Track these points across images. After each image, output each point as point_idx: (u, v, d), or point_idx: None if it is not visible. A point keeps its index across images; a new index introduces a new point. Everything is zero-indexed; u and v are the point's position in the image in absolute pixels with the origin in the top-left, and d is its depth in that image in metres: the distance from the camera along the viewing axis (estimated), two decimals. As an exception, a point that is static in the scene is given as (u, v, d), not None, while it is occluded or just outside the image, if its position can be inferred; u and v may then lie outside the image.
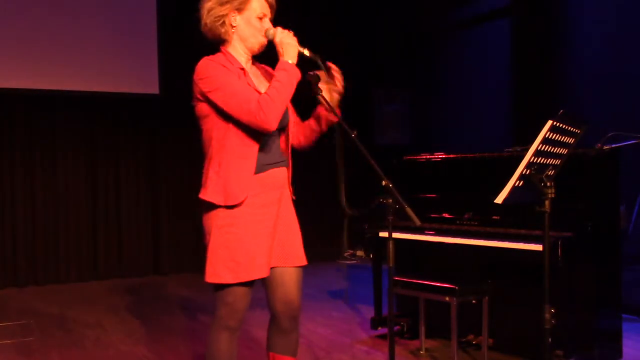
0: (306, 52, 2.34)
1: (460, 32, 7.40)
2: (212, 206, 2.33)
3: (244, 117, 2.25)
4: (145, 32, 6.64)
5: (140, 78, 6.63)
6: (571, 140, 2.67)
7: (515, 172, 2.47)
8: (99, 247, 6.53)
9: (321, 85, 2.43)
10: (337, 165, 2.35)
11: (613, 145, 3.76)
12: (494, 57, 6.81)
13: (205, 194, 2.33)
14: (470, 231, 3.57)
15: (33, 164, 6.28)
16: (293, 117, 2.53)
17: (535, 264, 3.07)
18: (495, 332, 3.59)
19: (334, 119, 2.44)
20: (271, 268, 2.42)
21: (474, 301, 3.48)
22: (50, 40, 6.23)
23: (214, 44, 2.46)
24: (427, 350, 3.84)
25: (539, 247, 3.11)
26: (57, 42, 6.25)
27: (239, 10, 2.35)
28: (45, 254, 6.28)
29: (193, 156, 6.45)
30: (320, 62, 2.36)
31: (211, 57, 2.36)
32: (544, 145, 2.49)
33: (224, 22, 2.37)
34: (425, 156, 4.20)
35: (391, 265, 2.33)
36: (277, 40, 2.34)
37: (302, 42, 2.35)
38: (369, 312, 4.45)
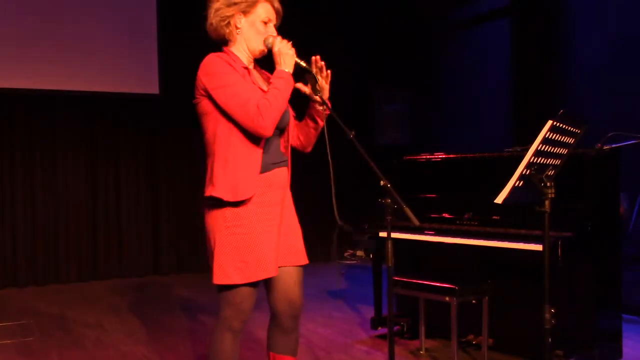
0: (302, 63, 2.39)
1: (460, 32, 7.40)
2: (218, 204, 2.32)
3: (242, 119, 2.27)
4: (145, 32, 6.64)
5: (140, 78, 6.63)
6: (571, 140, 2.67)
7: (515, 172, 2.47)
8: (99, 247, 6.53)
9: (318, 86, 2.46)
10: (330, 167, 2.35)
11: (613, 145, 3.76)
12: (494, 57, 6.81)
13: (214, 190, 2.31)
14: (470, 231, 3.57)
15: (33, 164, 6.28)
16: (292, 119, 2.55)
17: (535, 264, 3.07)
18: (495, 332, 3.59)
19: (327, 112, 2.46)
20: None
21: (474, 301, 3.48)
22: (50, 40, 6.23)
23: (216, 44, 2.48)
24: (427, 350, 3.84)
25: (539, 247, 3.11)
26: (57, 42, 6.25)
27: (245, 12, 2.38)
28: (45, 254, 6.28)
29: (193, 156, 6.53)
30: (313, 72, 2.40)
31: (218, 53, 2.38)
32: (544, 145, 2.49)
33: (229, 23, 2.40)
34: (425, 156, 4.20)
35: (390, 265, 2.33)
36: (275, 49, 2.37)
37: (299, 53, 2.40)
38: (369, 312, 4.45)
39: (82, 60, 6.34)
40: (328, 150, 2.32)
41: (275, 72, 2.36)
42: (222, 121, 2.32)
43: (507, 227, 3.40)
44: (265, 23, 2.40)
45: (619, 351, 3.52)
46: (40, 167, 6.31)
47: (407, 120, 8.04)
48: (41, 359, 3.88)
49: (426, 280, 3.49)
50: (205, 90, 2.32)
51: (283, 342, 2.51)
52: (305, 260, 2.50)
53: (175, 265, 6.85)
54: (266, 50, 2.42)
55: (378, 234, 3.97)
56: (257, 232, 2.33)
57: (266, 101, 2.26)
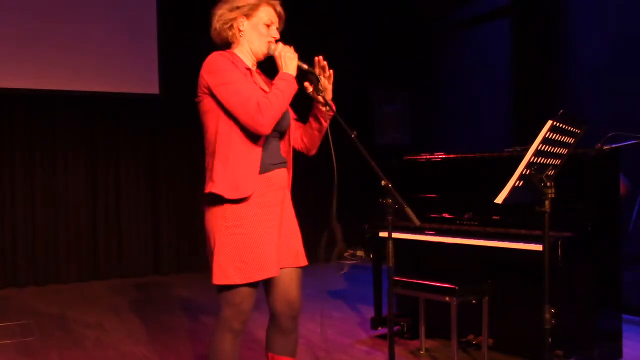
0: (304, 66, 2.42)
1: (460, 32, 7.40)
2: (217, 202, 2.33)
3: (241, 117, 2.28)
4: (145, 32, 6.64)
5: (140, 78, 6.63)
6: (571, 140, 2.67)
7: (515, 172, 2.47)
8: (99, 247, 6.53)
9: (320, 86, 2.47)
10: (334, 170, 2.36)
11: (613, 145, 3.76)
12: (494, 57, 6.81)
13: (213, 187, 2.32)
14: (470, 231, 3.57)
15: (33, 164, 6.28)
16: (293, 122, 2.56)
17: (535, 264, 3.07)
18: (495, 332, 3.59)
19: (331, 113, 2.47)
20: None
21: (474, 301, 3.48)
22: (50, 40, 6.23)
23: (219, 47, 2.49)
24: (427, 350, 3.84)
25: (539, 247, 3.11)
26: (57, 42, 6.26)
27: (248, 16, 2.42)
28: (45, 254, 6.28)
29: (193, 156, 6.52)
30: (315, 74, 2.43)
31: (221, 52, 2.41)
32: (544, 145, 2.49)
33: (231, 26, 2.44)
34: (425, 156, 4.20)
35: (391, 265, 2.33)
36: (276, 53, 2.41)
37: (300, 53, 2.43)
38: (369, 312, 4.45)
39: (82, 60, 6.34)
40: (333, 152, 2.32)
41: (278, 75, 2.39)
42: (224, 119, 2.33)
43: (507, 227, 3.40)
44: (268, 26, 2.43)
45: (619, 351, 3.52)
46: (40, 167, 6.31)
47: (407, 120, 8.04)
48: (41, 359, 3.88)
49: (426, 280, 3.49)
50: (208, 88, 2.34)
51: (282, 343, 2.52)
52: (304, 262, 2.51)
53: (175, 265, 6.85)
54: (269, 53, 2.45)
55: (378, 234, 3.97)
56: (257, 232, 2.34)
57: (267, 100, 2.29)
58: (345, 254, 7.81)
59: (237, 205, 2.33)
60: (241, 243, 2.31)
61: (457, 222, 3.69)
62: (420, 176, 4.19)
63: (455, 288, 3.31)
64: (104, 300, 5.59)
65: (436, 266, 4.02)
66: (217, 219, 2.34)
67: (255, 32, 2.42)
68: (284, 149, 2.51)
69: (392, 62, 7.88)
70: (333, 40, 7.29)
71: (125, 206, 6.67)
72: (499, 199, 2.46)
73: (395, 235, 3.50)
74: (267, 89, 2.43)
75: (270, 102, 2.28)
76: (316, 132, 2.53)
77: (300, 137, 2.58)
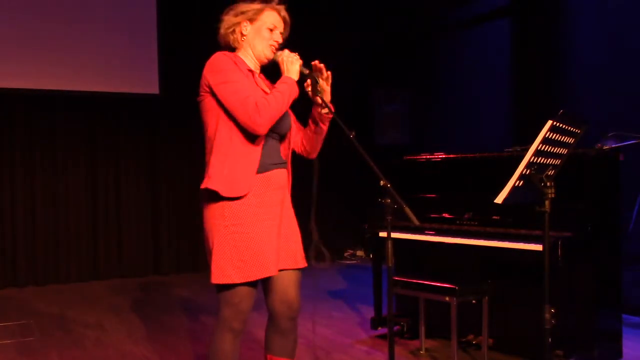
0: (306, 71, 2.44)
1: (460, 32, 7.40)
2: (216, 200, 2.33)
3: (239, 116, 2.30)
4: (145, 32, 6.64)
5: (140, 78, 6.63)
6: (571, 140, 2.67)
7: (515, 172, 2.47)
8: (99, 247, 6.53)
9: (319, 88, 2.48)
10: (313, 189, 2.39)
11: (613, 145, 3.76)
12: (494, 57, 6.81)
13: (209, 183, 2.34)
14: (470, 231, 3.57)
15: (33, 164, 6.28)
16: (294, 125, 2.57)
17: (535, 264, 3.07)
18: (495, 332, 3.59)
19: (330, 115, 2.49)
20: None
21: (474, 301, 3.48)
22: (50, 40, 6.23)
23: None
24: (427, 350, 3.84)
25: (539, 247, 3.11)
26: (57, 42, 6.26)
27: (251, 20, 2.44)
28: (45, 254, 6.28)
29: (193, 156, 6.52)
30: (314, 76, 2.44)
31: (224, 52, 2.43)
32: (544, 145, 2.49)
33: (234, 30, 2.46)
34: (425, 156, 4.20)
35: (390, 265, 2.33)
36: (279, 59, 2.43)
37: (302, 57, 2.45)
38: (369, 312, 4.45)
39: (82, 60, 6.34)
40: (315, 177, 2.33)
41: (281, 78, 2.41)
42: (224, 118, 2.35)
43: (507, 227, 3.40)
44: (271, 30, 2.45)
45: (619, 351, 3.52)
46: (40, 167, 6.31)
47: (407, 120, 8.04)
48: (41, 359, 3.88)
49: (426, 280, 3.49)
50: (209, 87, 2.36)
51: (281, 344, 2.51)
52: (303, 263, 2.51)
53: (175, 265, 6.85)
54: (272, 55, 2.47)
55: (378, 234, 3.97)
56: (256, 231, 2.34)
57: (265, 101, 2.30)
58: (346, 254, 7.81)
59: (236, 204, 2.33)
60: (240, 242, 2.32)
61: (457, 222, 3.69)
62: (420, 176, 4.19)
63: (455, 288, 3.31)
64: (104, 300, 5.59)
65: (436, 266, 4.02)
66: (215, 218, 2.34)
67: (258, 36, 2.43)
68: (283, 152, 2.52)
69: (392, 62, 7.88)
70: (333, 40, 7.29)
71: (125, 206, 6.67)
72: (499, 199, 2.46)
73: (395, 235, 3.51)
74: (268, 91, 2.43)
75: (268, 103, 2.30)
76: (315, 135, 2.54)
77: (301, 140, 2.59)
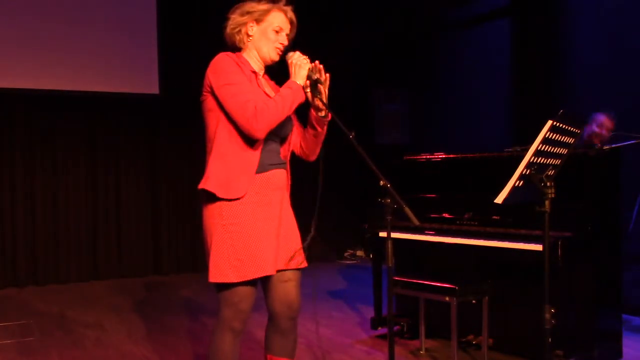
0: (314, 77, 2.41)
1: (460, 32, 7.40)
2: (212, 199, 2.34)
3: (237, 119, 2.30)
4: (145, 32, 6.64)
5: (140, 78, 6.63)
6: (571, 140, 2.67)
7: (515, 172, 2.47)
8: (99, 247, 6.53)
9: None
10: (318, 190, 2.39)
11: (613, 145, 3.76)
12: (494, 57, 6.81)
13: (206, 184, 2.34)
14: (470, 231, 3.57)
15: (33, 164, 6.28)
16: (296, 127, 2.56)
17: (535, 264, 3.07)
18: (495, 332, 3.58)
19: (327, 118, 2.48)
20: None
21: (474, 301, 3.48)
22: (50, 40, 6.23)
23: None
24: (427, 350, 3.84)
25: (539, 247, 3.11)
26: (57, 42, 6.26)
27: (258, 21, 2.43)
28: (45, 254, 6.28)
29: (193, 156, 6.53)
30: (319, 79, 2.42)
31: (228, 53, 2.42)
32: (544, 145, 2.49)
33: (240, 31, 2.45)
34: (425, 156, 4.20)
35: (390, 265, 2.33)
36: (289, 61, 2.42)
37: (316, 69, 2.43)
38: (369, 312, 4.45)
39: (82, 60, 6.34)
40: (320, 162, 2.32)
41: (286, 83, 2.40)
42: (224, 119, 2.35)
43: (507, 227, 3.40)
44: (277, 32, 2.43)
45: (619, 351, 3.53)
46: (40, 167, 6.31)
47: (407, 120, 8.04)
48: (41, 359, 3.88)
49: (426, 280, 3.49)
50: (211, 87, 2.36)
51: (281, 344, 2.51)
52: (303, 264, 2.51)
53: (175, 265, 6.85)
54: (277, 58, 2.46)
55: (378, 234, 3.97)
56: (253, 230, 2.34)
57: (265, 105, 2.29)
58: (346, 254, 7.81)
59: (234, 203, 2.33)
60: (237, 241, 2.32)
61: (457, 222, 3.69)
62: (420, 176, 4.19)
63: (455, 288, 3.31)
64: (104, 300, 5.59)
65: (436, 266, 4.02)
66: (214, 217, 2.35)
67: (264, 38, 2.42)
68: (283, 153, 2.52)
69: (392, 62, 7.88)
70: (333, 40, 7.30)
71: (125, 206, 6.67)
72: (499, 199, 2.46)
73: (395, 235, 3.51)
74: (272, 94, 2.44)
75: (268, 108, 2.29)
76: (313, 137, 2.53)
77: (299, 142, 2.58)
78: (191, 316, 4.90)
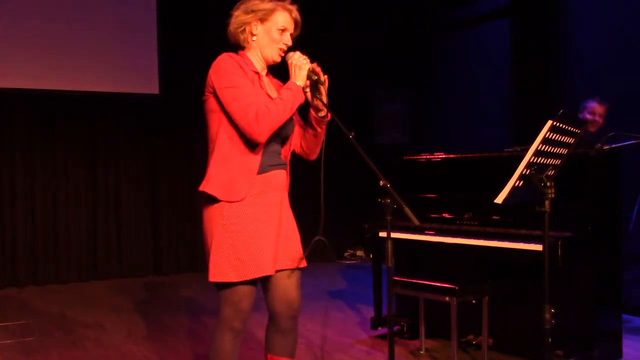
0: (314, 77, 2.41)
1: (460, 32, 7.40)
2: (213, 200, 2.35)
3: (239, 122, 2.30)
4: (145, 32, 6.64)
5: (140, 78, 6.63)
6: (571, 140, 2.67)
7: (515, 172, 2.47)
8: (99, 247, 6.53)
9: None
10: (321, 184, 2.39)
11: (613, 145, 3.76)
12: (494, 57, 6.81)
13: (207, 187, 2.35)
14: (470, 231, 3.57)
15: (33, 164, 6.28)
16: (297, 127, 2.56)
17: (535, 264, 3.07)
18: (495, 332, 3.58)
19: (327, 118, 2.48)
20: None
21: (474, 301, 3.47)
22: (50, 40, 6.23)
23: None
24: (427, 350, 3.84)
25: (539, 247, 3.11)
26: (57, 42, 6.25)
27: (262, 20, 2.42)
28: (45, 254, 6.28)
29: (193, 156, 6.53)
30: (320, 82, 2.42)
31: (230, 54, 2.41)
32: (544, 145, 2.49)
33: (244, 30, 2.44)
34: (425, 156, 4.20)
35: (390, 265, 2.33)
36: (289, 61, 2.41)
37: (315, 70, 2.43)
38: (369, 312, 4.45)
39: (82, 60, 6.34)
40: (322, 161, 2.32)
41: (286, 84, 2.40)
42: (226, 121, 2.35)
43: (507, 227, 3.40)
44: (282, 31, 2.43)
45: (619, 351, 3.52)
46: (40, 167, 6.31)
47: (407, 120, 8.04)
48: (41, 359, 3.88)
49: (426, 280, 3.49)
50: (213, 89, 2.35)
51: (281, 344, 2.51)
52: (303, 263, 2.51)
53: (175, 265, 6.85)
54: (279, 59, 2.45)
55: (378, 234, 3.97)
56: (254, 230, 2.34)
57: (266, 109, 2.29)
58: (346, 254, 7.81)
59: (235, 204, 2.34)
60: (237, 241, 2.32)
61: (457, 222, 3.69)
62: (420, 176, 4.19)
63: (455, 288, 3.31)
64: (104, 300, 5.59)
65: (436, 266, 4.02)
66: (214, 217, 2.35)
67: (268, 37, 2.41)
68: (284, 153, 2.52)
69: (392, 62, 7.88)
70: (333, 40, 7.30)
71: (125, 206, 6.67)
72: (499, 199, 2.46)
73: (395, 235, 3.51)
74: (274, 94, 2.44)
75: (269, 112, 2.28)
76: (312, 137, 2.53)
77: (299, 142, 2.59)
78: (191, 316, 4.90)
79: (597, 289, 3.34)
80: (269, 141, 2.39)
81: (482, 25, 7.08)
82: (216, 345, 2.41)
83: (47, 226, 6.31)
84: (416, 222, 2.21)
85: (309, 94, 2.44)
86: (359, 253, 7.86)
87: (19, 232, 6.19)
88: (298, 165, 2.72)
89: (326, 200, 2.39)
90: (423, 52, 7.77)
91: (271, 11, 2.40)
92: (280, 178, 2.47)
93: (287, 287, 2.46)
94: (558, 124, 2.49)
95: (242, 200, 2.33)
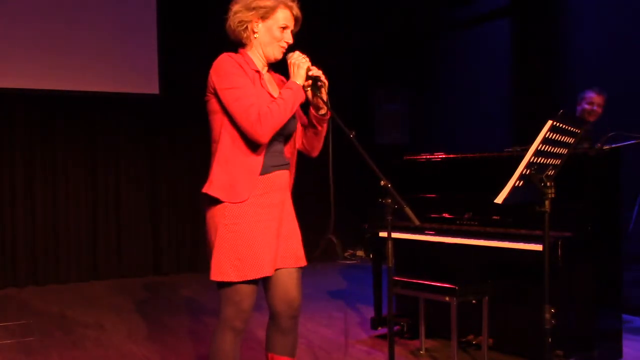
0: (312, 73, 2.40)
1: (460, 32, 7.40)
2: (216, 202, 2.35)
3: (241, 123, 2.30)
4: (145, 32, 6.63)
5: (140, 78, 6.63)
6: (571, 140, 2.67)
7: (515, 172, 2.47)
8: (99, 247, 6.53)
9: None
10: (330, 179, 2.38)
11: (613, 145, 3.76)
12: (494, 57, 6.81)
13: (210, 189, 2.35)
14: (470, 231, 3.57)
15: (33, 164, 6.28)
16: (300, 124, 2.57)
17: (535, 264, 3.07)
18: (495, 332, 3.58)
19: (327, 116, 2.48)
20: (275, 269, 2.43)
21: (474, 301, 3.48)
22: (50, 40, 6.23)
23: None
24: (427, 350, 3.84)
25: (539, 247, 3.11)
26: (57, 42, 6.25)
27: (263, 18, 2.41)
28: (45, 254, 6.28)
29: (193, 156, 6.53)
30: (320, 80, 2.41)
31: (231, 54, 2.41)
32: (544, 145, 2.49)
33: (246, 28, 2.43)
34: (425, 156, 4.20)
35: (390, 265, 2.33)
36: (289, 61, 2.42)
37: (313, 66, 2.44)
38: (369, 312, 4.45)
39: (82, 60, 6.34)
40: (330, 160, 2.32)
41: (287, 83, 2.40)
42: (227, 122, 2.35)
43: (507, 227, 3.40)
44: (283, 29, 2.42)
45: (619, 351, 3.53)
46: (40, 167, 6.31)
47: (407, 120, 8.04)
48: (41, 359, 3.88)
49: (426, 280, 3.49)
50: (214, 90, 2.36)
51: (281, 343, 2.52)
52: (304, 262, 2.52)
53: (175, 265, 6.85)
54: (281, 56, 2.45)
55: (378, 234, 3.97)
56: (256, 231, 2.35)
57: (268, 110, 2.29)
58: (346, 254, 7.81)
59: (237, 204, 2.34)
60: (239, 241, 2.33)
61: (457, 222, 3.69)
62: (420, 176, 4.19)
63: (455, 288, 3.31)
64: (104, 300, 5.59)
65: (436, 266, 4.02)
66: (217, 217, 2.35)
67: (269, 36, 2.41)
68: (288, 151, 2.52)
69: (392, 62, 7.88)
70: (333, 40, 7.29)
71: (125, 206, 6.67)
72: (499, 199, 2.46)
73: (395, 235, 3.51)
74: (276, 91, 2.44)
75: (271, 112, 2.29)
76: (313, 135, 2.54)
77: (301, 140, 2.59)
78: (191, 316, 4.90)
79: (597, 289, 3.34)
80: (272, 141, 2.39)
81: (482, 25, 7.08)
82: (217, 344, 2.41)
83: (47, 226, 6.31)
84: (417, 222, 2.22)
85: (309, 93, 2.44)
86: (359, 253, 7.86)
87: (19, 232, 6.19)
88: (299, 165, 2.72)
89: (335, 199, 2.39)
90: (423, 52, 7.77)
91: (272, 9, 2.40)
92: (283, 178, 2.47)
93: (288, 287, 2.47)
94: (558, 124, 2.49)
95: (244, 201, 2.34)
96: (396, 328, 4.12)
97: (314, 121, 2.49)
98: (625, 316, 4.01)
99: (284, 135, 2.47)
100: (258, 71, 2.42)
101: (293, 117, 2.47)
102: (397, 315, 4.19)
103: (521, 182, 2.49)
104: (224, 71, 2.34)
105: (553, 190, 2.50)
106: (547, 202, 2.49)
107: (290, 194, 2.56)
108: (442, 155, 4.10)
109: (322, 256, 2.35)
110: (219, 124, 2.37)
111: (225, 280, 2.33)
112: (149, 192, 6.79)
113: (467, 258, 3.73)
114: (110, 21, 6.49)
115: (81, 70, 6.33)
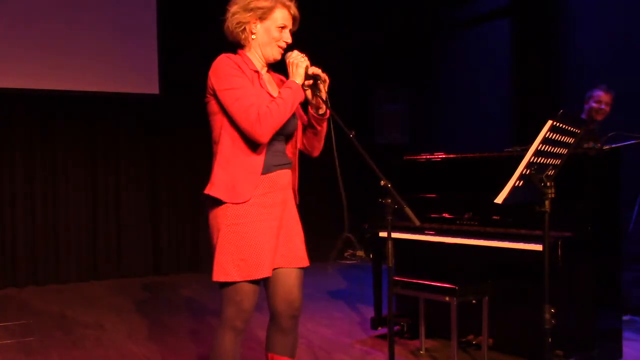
0: (311, 72, 2.40)
1: (460, 32, 7.40)
2: (218, 202, 2.35)
3: (241, 123, 2.30)
4: (145, 32, 6.63)
5: (140, 78, 6.63)
6: (571, 140, 2.67)
7: (515, 172, 2.47)
8: (99, 247, 6.53)
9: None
10: (339, 178, 2.38)
11: (613, 145, 3.76)
12: (494, 57, 6.81)
13: (211, 190, 2.35)
14: (470, 231, 3.57)
15: (33, 164, 6.28)
16: (301, 123, 2.56)
17: (535, 264, 3.07)
18: (495, 332, 3.58)
19: (326, 116, 2.48)
20: (274, 268, 2.43)
21: (474, 301, 3.48)
22: (50, 40, 6.23)
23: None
24: (427, 350, 3.84)
25: (539, 247, 3.11)
26: (57, 42, 6.25)
27: (262, 19, 2.41)
28: (45, 254, 6.28)
29: (193, 156, 6.53)
30: (320, 79, 2.41)
31: (229, 54, 2.41)
32: (544, 145, 2.49)
33: (244, 29, 2.42)
34: (425, 156, 4.20)
35: (391, 265, 2.33)
36: (288, 60, 2.41)
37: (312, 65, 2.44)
38: (369, 312, 4.45)
39: (82, 60, 6.34)
40: (335, 157, 2.33)
41: (286, 83, 2.40)
42: (227, 122, 2.35)
43: (507, 227, 3.40)
44: (281, 29, 2.42)
45: (619, 351, 3.53)
46: (40, 167, 6.31)
47: (407, 120, 8.04)
48: (41, 359, 3.88)
49: (426, 280, 3.49)
50: (214, 91, 2.35)
51: (282, 343, 2.52)
52: (306, 263, 2.52)
53: (175, 265, 6.85)
54: (280, 57, 2.45)
55: (378, 234, 3.97)
56: (258, 231, 2.35)
57: (268, 110, 2.29)
58: (346, 254, 7.81)
59: (239, 205, 2.34)
60: (241, 241, 2.33)
61: (457, 222, 3.69)
62: (420, 176, 4.19)
63: (455, 288, 3.31)
64: (104, 300, 5.59)
65: (436, 266, 4.02)
66: (219, 218, 2.36)
67: (268, 36, 2.41)
68: (290, 150, 2.52)
69: (392, 62, 7.88)
70: (333, 40, 7.29)
71: (125, 206, 6.67)
72: (499, 199, 2.46)
73: (395, 235, 3.51)
74: (275, 90, 2.44)
75: (270, 112, 2.29)
76: (313, 135, 2.54)
77: (301, 139, 2.59)
78: (191, 316, 4.90)
79: (597, 289, 3.34)
80: (272, 140, 2.39)
81: (482, 25, 7.08)
82: (217, 344, 2.41)
83: (47, 226, 6.31)
84: (417, 222, 2.22)
85: (309, 92, 2.44)
86: (359, 253, 7.85)
87: (19, 232, 6.19)
88: (301, 164, 2.72)
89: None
90: (423, 52, 7.78)
91: (270, 9, 2.39)
92: (285, 178, 2.47)
93: (289, 287, 2.47)
94: (558, 123, 2.49)
95: (246, 201, 2.34)
96: (396, 328, 4.12)
97: (313, 121, 2.49)
98: (625, 316, 4.02)
99: (284, 134, 2.46)
100: (257, 71, 2.42)
101: (293, 116, 2.46)
102: (397, 315, 4.19)
103: (521, 182, 2.49)
104: (222, 72, 2.34)
105: (553, 190, 2.50)
106: (547, 202, 2.49)
107: (296, 194, 2.55)
108: (442, 155, 4.10)
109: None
110: (219, 125, 2.37)
111: (229, 280, 2.33)
112: (149, 192, 6.79)
113: (467, 258, 3.73)
114: (110, 21, 6.49)
115: (81, 70, 6.33)
